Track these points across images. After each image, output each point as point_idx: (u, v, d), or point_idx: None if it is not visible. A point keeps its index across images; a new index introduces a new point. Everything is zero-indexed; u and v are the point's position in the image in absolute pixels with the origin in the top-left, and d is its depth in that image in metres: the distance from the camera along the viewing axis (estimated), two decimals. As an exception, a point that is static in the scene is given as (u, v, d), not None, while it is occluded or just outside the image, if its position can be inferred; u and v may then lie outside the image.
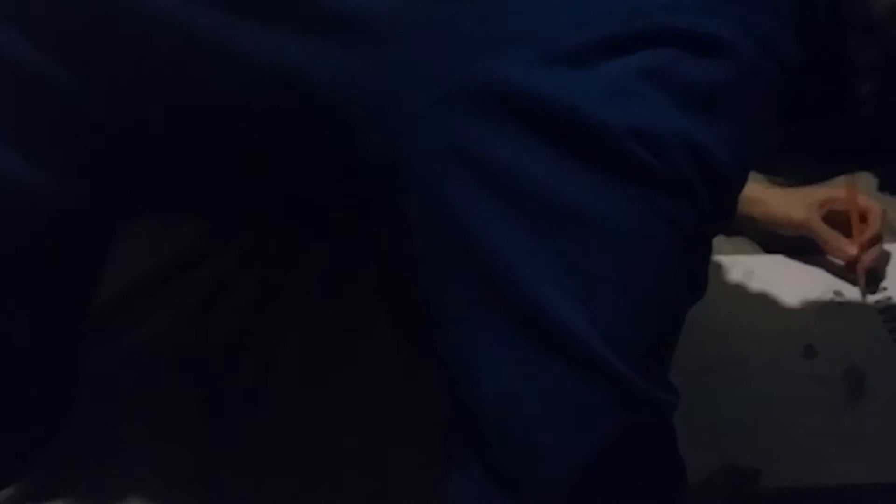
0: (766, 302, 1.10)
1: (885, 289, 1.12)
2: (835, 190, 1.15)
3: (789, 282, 1.12)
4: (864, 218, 1.14)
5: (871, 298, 1.11)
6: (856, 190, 1.14)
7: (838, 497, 0.92)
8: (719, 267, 1.13)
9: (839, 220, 1.14)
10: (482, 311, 0.62)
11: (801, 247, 1.15)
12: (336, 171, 0.68)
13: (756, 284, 1.12)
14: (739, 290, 1.11)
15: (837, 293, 1.12)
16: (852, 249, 1.11)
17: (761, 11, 0.65)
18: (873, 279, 1.13)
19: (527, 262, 0.61)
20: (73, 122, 0.69)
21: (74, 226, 0.73)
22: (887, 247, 1.16)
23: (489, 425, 0.63)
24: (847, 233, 1.14)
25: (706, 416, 0.93)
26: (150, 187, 0.74)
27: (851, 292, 1.12)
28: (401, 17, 0.63)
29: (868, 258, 1.12)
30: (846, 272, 1.13)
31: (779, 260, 1.16)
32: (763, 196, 1.13)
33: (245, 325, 0.90)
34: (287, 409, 0.87)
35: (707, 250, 0.67)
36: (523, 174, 0.61)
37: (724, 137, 0.63)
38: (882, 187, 1.06)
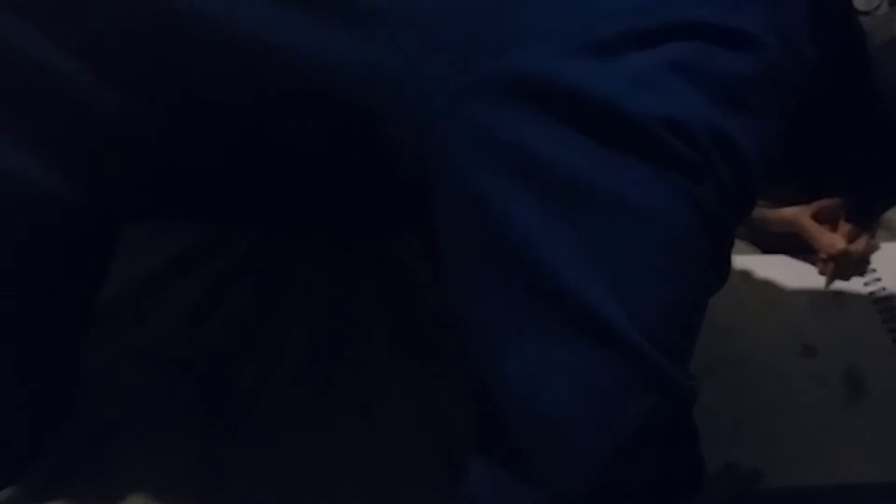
0: (765, 302, 1.10)
1: (884, 289, 1.12)
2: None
3: (789, 282, 1.12)
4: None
5: (871, 299, 1.11)
6: None
7: (838, 497, 0.92)
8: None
9: (828, 216, 1.14)
10: (509, 295, 0.62)
11: (800, 247, 1.15)
12: (358, 163, 0.68)
13: (756, 284, 1.12)
14: (739, 290, 1.11)
15: (837, 293, 1.12)
16: (840, 244, 1.11)
17: (783, 9, 0.66)
18: (862, 268, 1.14)
19: (556, 247, 0.61)
20: (79, 120, 0.69)
21: (80, 226, 0.73)
22: (885, 245, 1.16)
23: (512, 411, 0.63)
24: (836, 229, 1.14)
25: (706, 416, 0.93)
26: (156, 188, 0.74)
27: (851, 292, 1.12)
28: (427, 9, 0.63)
29: (855, 248, 1.12)
30: (832, 268, 1.13)
31: (778, 260, 1.15)
32: None
33: (246, 325, 0.90)
34: (287, 408, 0.87)
35: (731, 238, 0.68)
36: (553, 162, 0.61)
37: (749, 128, 0.63)
38: (849, 217, 1.07)
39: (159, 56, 0.67)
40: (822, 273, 1.13)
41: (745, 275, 1.12)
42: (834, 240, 1.11)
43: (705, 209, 0.62)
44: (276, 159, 0.70)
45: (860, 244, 1.12)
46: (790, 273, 1.14)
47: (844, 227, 1.12)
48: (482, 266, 0.63)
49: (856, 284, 1.13)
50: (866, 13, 0.70)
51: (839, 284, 1.13)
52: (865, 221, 1.10)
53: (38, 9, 0.67)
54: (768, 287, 1.12)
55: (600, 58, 0.61)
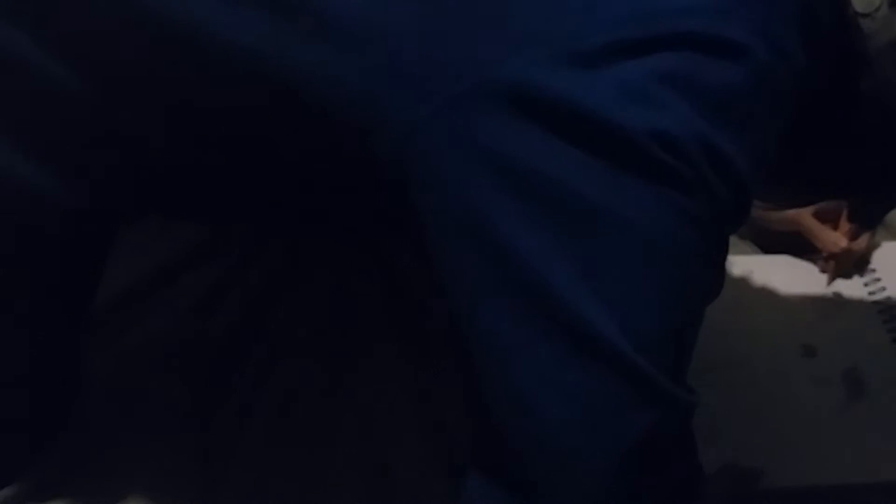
0: (765, 302, 1.10)
1: (884, 288, 1.12)
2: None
3: (789, 282, 1.12)
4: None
5: (871, 299, 1.11)
6: None
7: (838, 497, 0.92)
8: (720, 267, 1.13)
9: (830, 215, 1.14)
10: (503, 310, 0.62)
11: (802, 246, 1.15)
12: (344, 173, 0.68)
13: (755, 284, 1.12)
14: (739, 291, 1.11)
15: (837, 293, 1.12)
16: (842, 242, 1.12)
17: (772, 15, 0.65)
18: (862, 266, 1.14)
19: (550, 262, 0.60)
20: (76, 123, 0.69)
21: (76, 226, 0.73)
22: (885, 245, 1.16)
23: (508, 429, 0.63)
24: (837, 227, 1.14)
25: (706, 416, 0.93)
26: (152, 189, 0.74)
27: (851, 292, 1.12)
28: (411, 20, 0.62)
29: (857, 246, 1.12)
30: (833, 266, 1.13)
31: (778, 260, 1.15)
32: None
33: (246, 325, 0.90)
34: (287, 410, 0.87)
35: (725, 249, 0.67)
36: (544, 173, 0.61)
37: (739, 139, 0.63)
38: (851, 218, 1.07)
39: (144, 59, 0.66)
40: (823, 271, 1.13)
41: (745, 275, 1.12)
42: (836, 238, 1.11)
43: (698, 222, 0.62)
44: (265, 162, 0.69)
45: (862, 242, 1.13)
46: (790, 273, 1.14)
47: (846, 225, 1.12)
48: (474, 280, 0.63)
49: (856, 284, 1.13)
50: (866, 15, 0.70)
51: (839, 284, 1.13)
52: (868, 222, 1.10)
53: (25, 13, 0.67)
54: (768, 287, 1.12)
55: (588, 68, 0.60)
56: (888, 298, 1.11)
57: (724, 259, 0.67)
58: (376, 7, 0.63)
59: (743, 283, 1.12)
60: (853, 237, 1.12)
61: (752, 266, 1.14)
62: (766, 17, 0.64)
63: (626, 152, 0.60)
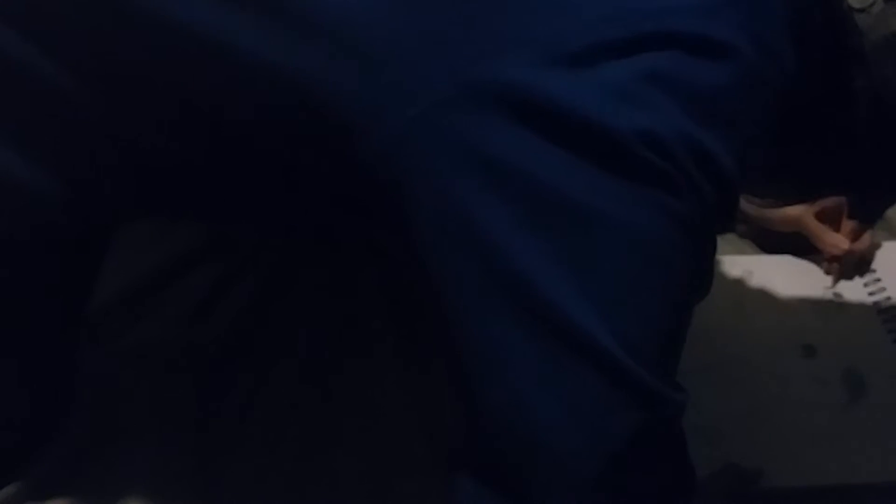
0: (765, 302, 1.10)
1: (884, 289, 1.12)
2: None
3: (789, 282, 1.12)
4: None
5: (871, 299, 1.11)
6: None
7: (838, 497, 0.92)
8: (719, 267, 1.13)
9: (831, 216, 1.14)
10: (493, 313, 0.62)
11: (800, 247, 1.15)
12: (336, 174, 0.68)
13: (755, 284, 1.12)
14: (739, 290, 1.11)
15: (837, 293, 1.12)
16: (844, 244, 1.12)
17: (759, 14, 0.65)
18: (864, 267, 1.14)
19: (538, 264, 0.61)
20: (73, 123, 0.69)
21: (72, 226, 0.73)
22: (886, 244, 1.16)
23: (500, 430, 0.63)
24: (839, 228, 1.14)
25: (706, 416, 0.93)
26: (149, 189, 0.74)
27: (851, 292, 1.12)
28: (399, 23, 0.62)
29: (859, 247, 1.12)
30: (837, 268, 1.13)
31: (778, 260, 1.15)
32: None
33: (245, 326, 0.90)
34: (286, 411, 0.87)
35: (713, 248, 0.67)
36: (531, 174, 0.61)
37: (727, 139, 0.63)
38: (852, 214, 1.07)
39: (139, 60, 0.67)
40: (827, 273, 1.13)
41: (746, 275, 1.12)
42: (837, 240, 1.11)
43: (685, 222, 0.62)
44: (258, 162, 0.70)
45: (864, 243, 1.13)
46: (790, 273, 1.14)
47: (847, 226, 1.12)
48: (463, 282, 0.63)
49: (856, 285, 1.13)
50: (861, 10, 0.70)
51: (839, 284, 1.13)
52: (869, 217, 1.10)
53: (22, 14, 0.67)
54: (768, 287, 1.12)
55: (574, 69, 0.61)
56: (888, 298, 1.11)
57: (712, 258, 0.67)
58: (364, 10, 0.63)
59: (743, 283, 1.12)
60: (854, 238, 1.12)
61: (752, 266, 1.14)
62: (753, 16, 0.65)
63: (612, 153, 0.60)
